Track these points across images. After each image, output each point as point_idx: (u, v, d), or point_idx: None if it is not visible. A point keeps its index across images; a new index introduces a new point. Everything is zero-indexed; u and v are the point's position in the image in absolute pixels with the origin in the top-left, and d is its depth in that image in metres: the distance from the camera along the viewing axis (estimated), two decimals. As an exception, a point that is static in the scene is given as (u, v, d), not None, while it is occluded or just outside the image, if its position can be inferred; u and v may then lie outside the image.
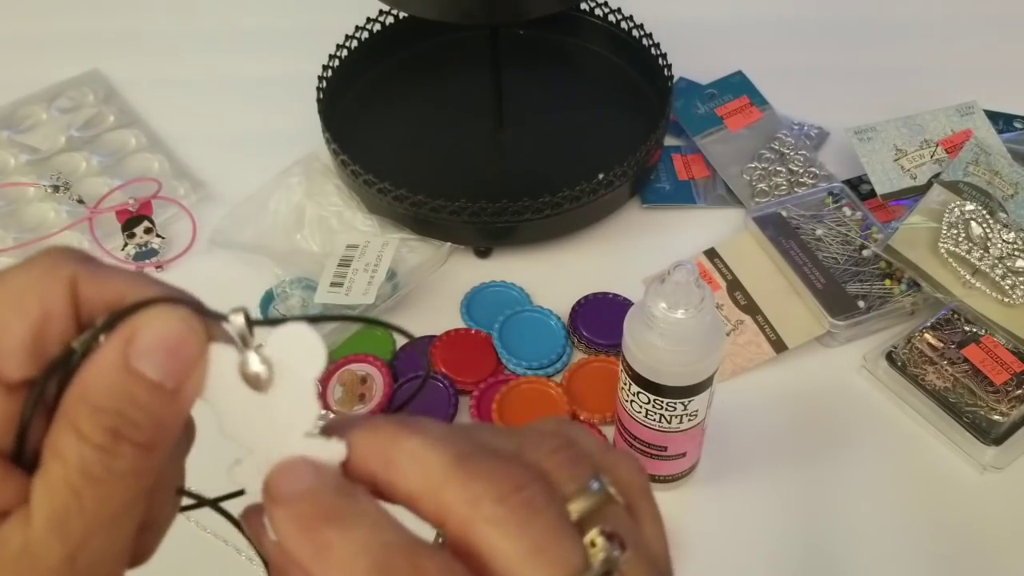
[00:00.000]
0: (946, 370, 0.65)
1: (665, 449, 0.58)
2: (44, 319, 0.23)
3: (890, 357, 0.67)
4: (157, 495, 0.26)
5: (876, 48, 0.95)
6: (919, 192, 0.75)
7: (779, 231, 0.75)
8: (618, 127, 0.83)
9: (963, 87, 0.82)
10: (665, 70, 0.81)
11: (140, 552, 0.27)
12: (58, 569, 0.22)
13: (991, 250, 0.69)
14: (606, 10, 0.86)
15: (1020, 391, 0.64)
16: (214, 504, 0.30)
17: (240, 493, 0.26)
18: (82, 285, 0.24)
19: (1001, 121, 0.82)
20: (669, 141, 0.84)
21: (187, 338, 0.23)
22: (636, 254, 0.76)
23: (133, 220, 0.78)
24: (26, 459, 0.23)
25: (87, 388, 0.23)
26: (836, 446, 0.65)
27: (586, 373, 0.68)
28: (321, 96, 0.79)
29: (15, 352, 0.23)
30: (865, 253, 0.73)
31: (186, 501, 0.29)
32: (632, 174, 0.75)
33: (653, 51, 0.83)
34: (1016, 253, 0.69)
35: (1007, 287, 0.68)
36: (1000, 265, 0.69)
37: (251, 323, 0.24)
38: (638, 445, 0.59)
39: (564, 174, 0.72)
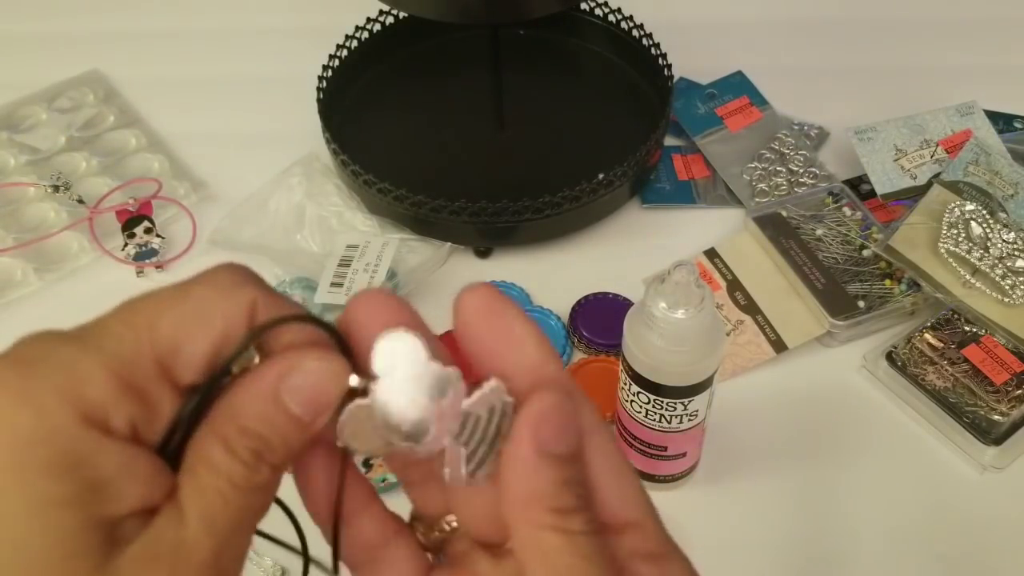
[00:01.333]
0: (946, 370, 0.65)
1: (665, 449, 0.58)
2: (224, 338, 0.25)
3: (890, 357, 0.67)
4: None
5: (876, 48, 0.95)
6: (919, 192, 0.75)
7: (779, 231, 0.75)
8: (618, 127, 0.83)
9: (963, 87, 0.82)
10: (665, 70, 0.81)
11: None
12: (208, 562, 0.24)
13: (991, 250, 0.69)
14: (606, 10, 0.86)
15: (1020, 391, 0.64)
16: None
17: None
18: (260, 310, 0.26)
19: (1001, 121, 0.82)
20: (669, 141, 0.84)
21: (330, 385, 0.26)
22: (636, 254, 0.76)
23: (133, 220, 0.78)
24: (167, 455, 0.26)
25: (239, 410, 0.25)
26: (836, 446, 0.65)
27: (586, 373, 0.68)
28: (321, 96, 0.79)
29: (194, 363, 0.25)
30: (865, 253, 0.73)
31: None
32: (632, 174, 0.75)
33: (653, 51, 0.83)
34: (1016, 253, 0.69)
35: (1007, 287, 0.68)
36: (1000, 265, 0.69)
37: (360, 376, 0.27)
38: (638, 445, 0.59)
39: (564, 174, 0.72)
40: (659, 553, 0.27)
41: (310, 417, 0.26)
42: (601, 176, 0.73)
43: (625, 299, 0.72)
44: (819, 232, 0.74)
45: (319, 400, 0.26)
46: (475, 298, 0.27)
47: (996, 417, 0.63)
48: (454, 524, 0.30)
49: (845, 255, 0.73)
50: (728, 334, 0.70)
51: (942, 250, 0.70)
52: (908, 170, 0.77)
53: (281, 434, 0.25)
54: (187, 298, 0.25)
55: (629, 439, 0.59)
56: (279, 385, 0.25)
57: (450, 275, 0.75)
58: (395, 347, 0.27)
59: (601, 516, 0.27)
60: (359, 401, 0.26)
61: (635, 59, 0.85)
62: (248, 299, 0.26)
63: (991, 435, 0.62)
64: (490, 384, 0.27)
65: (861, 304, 0.70)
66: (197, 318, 0.25)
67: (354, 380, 0.26)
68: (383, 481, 0.61)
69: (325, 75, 0.81)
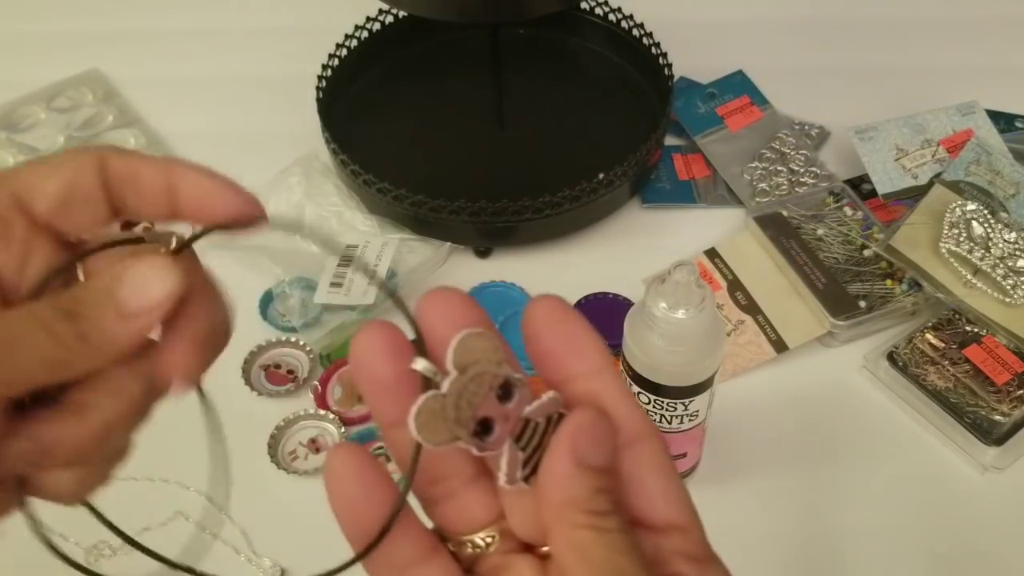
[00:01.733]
0: (947, 370, 0.65)
1: (665, 449, 0.58)
2: (75, 177, 0.29)
3: (891, 357, 0.67)
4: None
5: (877, 48, 0.95)
6: (920, 192, 0.75)
7: (780, 231, 0.74)
8: (618, 127, 0.83)
9: (964, 86, 0.82)
10: (665, 70, 0.81)
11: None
12: None
13: (992, 250, 0.69)
14: (606, 9, 0.86)
15: (1021, 391, 0.64)
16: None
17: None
18: (111, 161, 0.30)
19: (1002, 121, 0.82)
20: (669, 141, 0.84)
21: (152, 279, 0.29)
22: (636, 254, 0.76)
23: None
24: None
25: (90, 285, 0.29)
26: (837, 446, 0.65)
27: (586, 373, 0.68)
28: (321, 96, 0.79)
29: (45, 199, 0.29)
30: (866, 253, 0.73)
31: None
32: (632, 174, 0.75)
33: (653, 51, 0.83)
34: (1017, 253, 0.69)
35: (1008, 287, 0.68)
36: (1001, 265, 0.68)
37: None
38: (638, 445, 0.59)
39: (564, 174, 0.72)
40: (702, 557, 0.29)
41: (134, 305, 0.28)
42: (601, 176, 0.72)
43: (625, 299, 0.72)
44: (820, 232, 0.74)
45: (146, 297, 0.28)
46: (546, 305, 0.30)
47: (997, 417, 0.63)
48: (488, 541, 0.30)
49: (846, 255, 0.73)
50: (728, 334, 0.70)
51: (943, 250, 0.69)
52: (909, 170, 0.77)
53: (97, 307, 0.28)
54: (47, 158, 0.30)
55: (629, 439, 0.59)
56: (118, 279, 0.28)
57: (450, 275, 0.75)
58: (473, 345, 0.28)
59: (648, 516, 0.29)
60: (433, 392, 0.27)
61: (635, 59, 0.85)
62: (95, 154, 0.30)
63: (992, 435, 0.62)
64: (549, 394, 0.29)
65: (862, 304, 0.69)
66: (50, 166, 0.30)
67: (420, 364, 0.28)
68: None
69: (325, 75, 0.81)
